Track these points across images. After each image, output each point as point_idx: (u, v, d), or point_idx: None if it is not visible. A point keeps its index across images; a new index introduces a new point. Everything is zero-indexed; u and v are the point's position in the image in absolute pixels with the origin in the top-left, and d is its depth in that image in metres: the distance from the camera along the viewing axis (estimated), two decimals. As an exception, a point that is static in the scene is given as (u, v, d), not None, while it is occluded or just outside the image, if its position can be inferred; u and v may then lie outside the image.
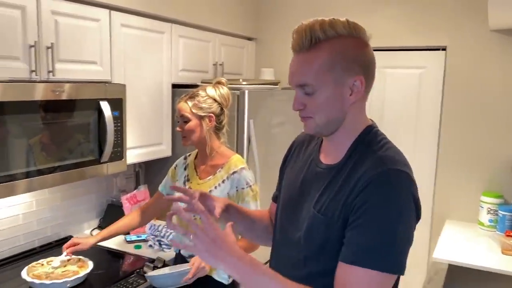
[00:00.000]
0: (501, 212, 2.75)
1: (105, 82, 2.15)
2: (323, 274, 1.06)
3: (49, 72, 1.89)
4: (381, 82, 3.22)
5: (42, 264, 1.96)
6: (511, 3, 2.14)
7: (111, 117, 2.08)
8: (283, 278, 1.02)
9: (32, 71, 1.82)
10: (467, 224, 2.96)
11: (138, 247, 2.39)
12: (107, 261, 2.25)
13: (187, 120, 1.90)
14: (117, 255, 2.31)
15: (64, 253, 1.95)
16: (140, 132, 2.43)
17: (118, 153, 2.19)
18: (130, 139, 2.34)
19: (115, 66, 2.22)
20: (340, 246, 1.02)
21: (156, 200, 2.13)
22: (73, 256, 1.99)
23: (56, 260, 1.95)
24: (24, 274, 1.87)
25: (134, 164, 2.79)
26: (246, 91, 2.50)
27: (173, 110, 2.51)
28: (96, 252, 2.26)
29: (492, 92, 2.89)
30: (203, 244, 0.98)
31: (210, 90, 1.94)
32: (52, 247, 2.31)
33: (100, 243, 2.35)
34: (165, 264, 2.10)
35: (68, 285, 1.85)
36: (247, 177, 1.88)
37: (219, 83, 1.98)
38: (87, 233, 2.55)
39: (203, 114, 1.89)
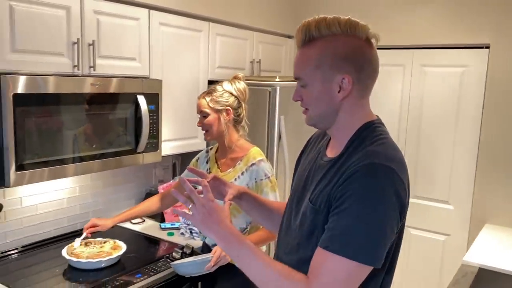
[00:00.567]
0: (543, 218, 2.63)
1: (143, 78, 2.29)
2: (307, 261, 1.10)
3: (90, 67, 2.04)
4: (420, 80, 3.17)
5: (81, 244, 2.13)
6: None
7: (147, 111, 2.22)
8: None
9: (75, 66, 1.98)
10: (507, 229, 2.85)
11: (171, 234, 2.52)
12: (141, 245, 2.39)
13: (206, 115, 2.00)
14: (150, 241, 2.45)
15: (84, 234, 2.11)
16: (176, 126, 2.56)
17: (154, 144, 2.32)
18: (166, 132, 2.47)
19: (153, 63, 2.36)
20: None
21: (176, 188, 2.24)
22: (96, 239, 2.16)
23: (77, 241, 2.11)
24: (64, 252, 2.04)
25: (172, 156, 2.93)
26: (278, 88, 2.55)
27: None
28: (131, 237, 2.42)
29: (538, 92, 2.76)
30: (199, 214, 1.11)
31: (227, 85, 2.02)
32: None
33: (134, 228, 2.51)
34: (193, 251, 2.21)
35: (103, 264, 2.00)
36: (265, 168, 1.94)
37: (235, 78, 2.07)
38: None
39: (220, 107, 1.98)
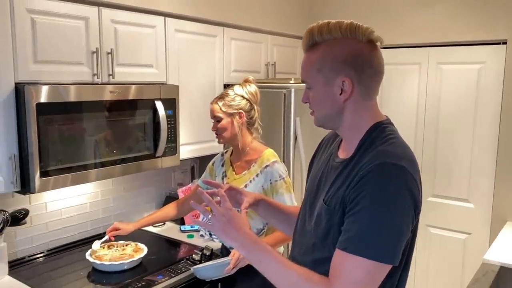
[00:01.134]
0: None
1: (161, 84, 2.35)
2: (324, 261, 1.13)
3: (109, 75, 2.11)
4: (436, 78, 3.15)
5: (103, 247, 2.19)
6: None
7: (165, 116, 2.27)
8: (284, 258, 1.14)
9: (94, 74, 2.05)
10: (530, 226, 2.81)
11: (191, 236, 2.56)
12: (161, 247, 2.45)
13: (219, 120, 2.04)
14: (171, 243, 2.50)
15: (106, 237, 2.17)
16: (194, 130, 2.61)
17: (172, 148, 2.37)
18: (184, 136, 2.52)
19: (170, 69, 2.41)
20: (339, 236, 1.09)
21: (195, 194, 2.29)
22: (118, 242, 2.22)
23: (96, 243, 2.17)
24: (87, 255, 2.10)
25: (190, 159, 2.98)
26: (292, 90, 2.58)
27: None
28: (152, 239, 2.48)
29: (558, 87, 2.72)
30: (219, 223, 1.14)
31: (238, 89, 2.06)
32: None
33: (155, 231, 2.57)
34: (212, 252, 2.25)
35: (125, 266, 2.06)
36: (279, 169, 1.97)
37: (246, 81, 2.10)
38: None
39: (232, 111, 2.02)
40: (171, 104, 2.35)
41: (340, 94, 1.13)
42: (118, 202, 2.64)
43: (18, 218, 2.07)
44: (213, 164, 2.23)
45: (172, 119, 2.35)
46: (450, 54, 3.09)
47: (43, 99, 1.79)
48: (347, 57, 1.11)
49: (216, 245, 2.38)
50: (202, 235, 2.55)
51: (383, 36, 1.17)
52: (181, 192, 2.77)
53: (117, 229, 2.17)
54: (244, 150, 2.06)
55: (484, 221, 3.03)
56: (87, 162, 1.99)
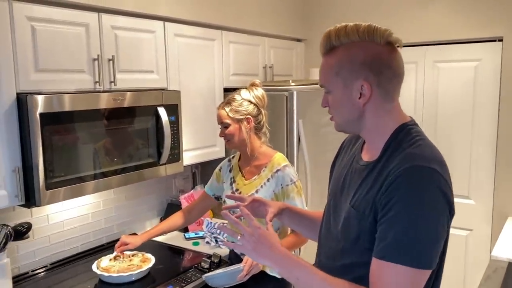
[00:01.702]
0: None
1: (162, 89, 2.31)
2: (354, 266, 1.12)
3: (110, 82, 2.06)
4: (433, 76, 3.16)
5: (110, 259, 2.13)
6: None
7: (168, 122, 2.23)
8: (321, 272, 1.10)
9: (96, 82, 2.00)
10: (531, 221, 2.83)
11: (196, 243, 2.52)
12: (168, 256, 2.40)
13: (227, 126, 1.99)
14: (176, 251, 2.46)
15: (115, 253, 2.11)
16: (195, 135, 2.57)
17: (175, 155, 2.33)
18: (186, 141, 2.48)
19: (170, 74, 2.37)
20: (371, 241, 1.07)
21: (201, 201, 2.25)
22: (126, 253, 2.15)
23: (105, 260, 2.11)
24: (94, 267, 2.05)
25: (191, 166, 2.94)
26: (295, 92, 2.56)
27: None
28: (157, 248, 2.42)
29: (555, 82, 2.75)
30: (249, 243, 1.12)
31: (245, 93, 2.01)
32: (118, 244, 2.50)
33: (160, 240, 2.52)
34: (221, 260, 2.21)
35: (133, 278, 2.01)
36: (290, 173, 1.94)
37: (253, 85, 2.05)
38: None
39: (240, 117, 1.98)
40: (174, 110, 2.31)
41: (359, 98, 1.12)
42: (120, 211, 2.59)
43: (21, 232, 2.00)
44: (220, 170, 2.19)
45: (175, 125, 2.31)
46: (446, 52, 3.11)
47: (46, 108, 1.74)
48: (365, 60, 1.10)
49: (223, 251, 2.34)
50: (208, 242, 2.51)
51: None
52: (183, 199, 2.73)
53: (125, 244, 2.10)
54: (253, 155, 2.02)
55: (485, 217, 3.05)
56: (93, 172, 1.94)
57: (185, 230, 2.68)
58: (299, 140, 2.60)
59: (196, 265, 2.19)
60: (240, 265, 1.84)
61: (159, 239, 2.59)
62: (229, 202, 2.03)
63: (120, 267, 2.05)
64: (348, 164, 1.28)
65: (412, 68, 3.23)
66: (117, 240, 2.51)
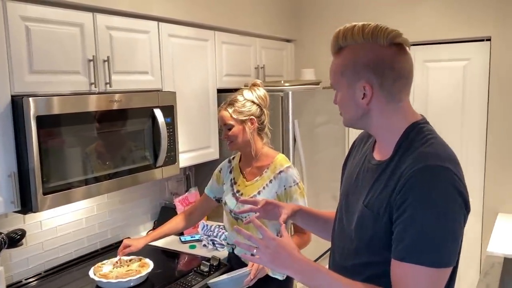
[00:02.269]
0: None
1: (157, 91, 2.27)
2: (367, 265, 1.11)
3: (106, 83, 2.01)
4: (423, 76, 3.20)
5: (114, 264, 2.08)
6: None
7: (164, 124, 2.19)
8: (344, 278, 1.10)
9: (92, 83, 1.95)
10: (521, 217, 2.89)
11: (193, 247, 2.49)
12: (165, 261, 2.36)
13: (230, 127, 1.96)
14: (173, 255, 2.42)
15: (118, 257, 2.05)
16: (190, 137, 2.53)
17: (172, 157, 2.29)
18: (181, 143, 2.44)
19: (165, 75, 2.33)
20: (385, 241, 1.07)
21: (202, 203, 2.22)
22: (125, 258, 2.10)
23: (107, 266, 2.05)
24: (91, 273, 1.99)
25: (185, 168, 2.90)
26: (290, 92, 2.55)
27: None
28: (153, 253, 2.38)
29: (541, 81, 2.82)
30: (266, 256, 1.11)
31: (247, 94, 1.99)
32: (112, 249, 2.43)
33: (156, 244, 2.47)
34: (220, 263, 2.18)
35: (132, 283, 1.96)
36: (293, 175, 1.93)
37: (254, 85, 2.03)
38: (143, 235, 2.67)
39: (244, 118, 1.95)
40: (169, 112, 2.27)
41: (363, 98, 1.13)
42: (114, 216, 2.53)
43: (14, 240, 1.93)
44: (220, 171, 2.15)
45: (171, 127, 2.28)
46: (436, 52, 3.15)
47: (43, 111, 1.69)
48: (368, 62, 1.11)
49: (222, 254, 2.31)
50: (205, 245, 2.48)
51: None
52: (178, 202, 2.69)
53: (127, 246, 2.05)
54: (255, 156, 2.00)
55: (476, 214, 3.10)
56: (90, 176, 1.89)
57: (181, 233, 2.63)
58: (294, 140, 2.59)
59: (195, 269, 2.15)
60: (246, 269, 1.81)
61: (155, 243, 2.53)
62: (230, 204, 2.02)
63: (118, 273, 2.00)
64: (360, 162, 1.27)
65: (402, 67, 3.26)
66: (112, 245, 2.48)
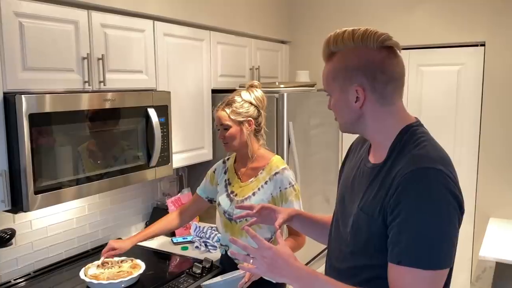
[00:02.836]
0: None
1: (151, 90, 2.24)
2: (363, 268, 1.11)
3: (100, 82, 1.99)
4: (417, 80, 3.21)
5: (98, 266, 2.05)
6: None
7: (158, 124, 2.17)
8: (342, 284, 1.10)
9: (85, 82, 1.92)
10: (512, 221, 2.91)
11: (185, 248, 2.46)
12: (156, 262, 2.33)
13: (227, 128, 1.94)
14: (165, 257, 2.39)
15: (102, 258, 2.00)
16: (184, 137, 2.51)
17: (165, 157, 2.27)
18: (175, 144, 2.42)
19: (159, 74, 2.31)
20: (380, 244, 1.07)
21: (194, 203, 2.19)
22: (113, 259, 2.05)
23: (92, 269, 1.99)
24: (82, 274, 1.96)
25: (178, 168, 2.87)
26: (285, 94, 2.54)
27: (213, 115, 2.58)
28: (144, 254, 2.35)
29: (534, 87, 2.84)
30: (263, 265, 1.10)
31: (245, 95, 1.97)
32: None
33: (148, 245, 2.45)
34: (212, 265, 2.16)
35: (123, 285, 1.93)
36: (289, 177, 1.92)
37: (252, 86, 2.01)
38: (135, 236, 2.65)
39: (242, 119, 1.93)
40: (163, 111, 2.25)
41: (356, 102, 1.14)
42: (105, 216, 2.50)
43: (4, 239, 1.90)
44: (214, 172, 2.13)
45: (165, 127, 2.25)
46: (430, 56, 3.17)
47: (36, 109, 1.66)
48: (359, 66, 1.12)
49: (214, 256, 2.29)
50: (197, 247, 2.45)
51: None
52: (170, 203, 2.66)
53: (113, 249, 2.01)
54: (252, 158, 1.99)
55: (467, 218, 3.11)
56: (85, 175, 1.87)
57: (173, 234, 2.61)
58: (289, 142, 2.58)
59: (187, 270, 2.13)
60: (241, 272, 1.79)
61: (146, 244, 2.51)
62: (224, 205, 2.00)
63: (109, 274, 1.97)
64: (356, 166, 1.27)
65: (396, 71, 3.26)
66: (102, 246, 2.43)
